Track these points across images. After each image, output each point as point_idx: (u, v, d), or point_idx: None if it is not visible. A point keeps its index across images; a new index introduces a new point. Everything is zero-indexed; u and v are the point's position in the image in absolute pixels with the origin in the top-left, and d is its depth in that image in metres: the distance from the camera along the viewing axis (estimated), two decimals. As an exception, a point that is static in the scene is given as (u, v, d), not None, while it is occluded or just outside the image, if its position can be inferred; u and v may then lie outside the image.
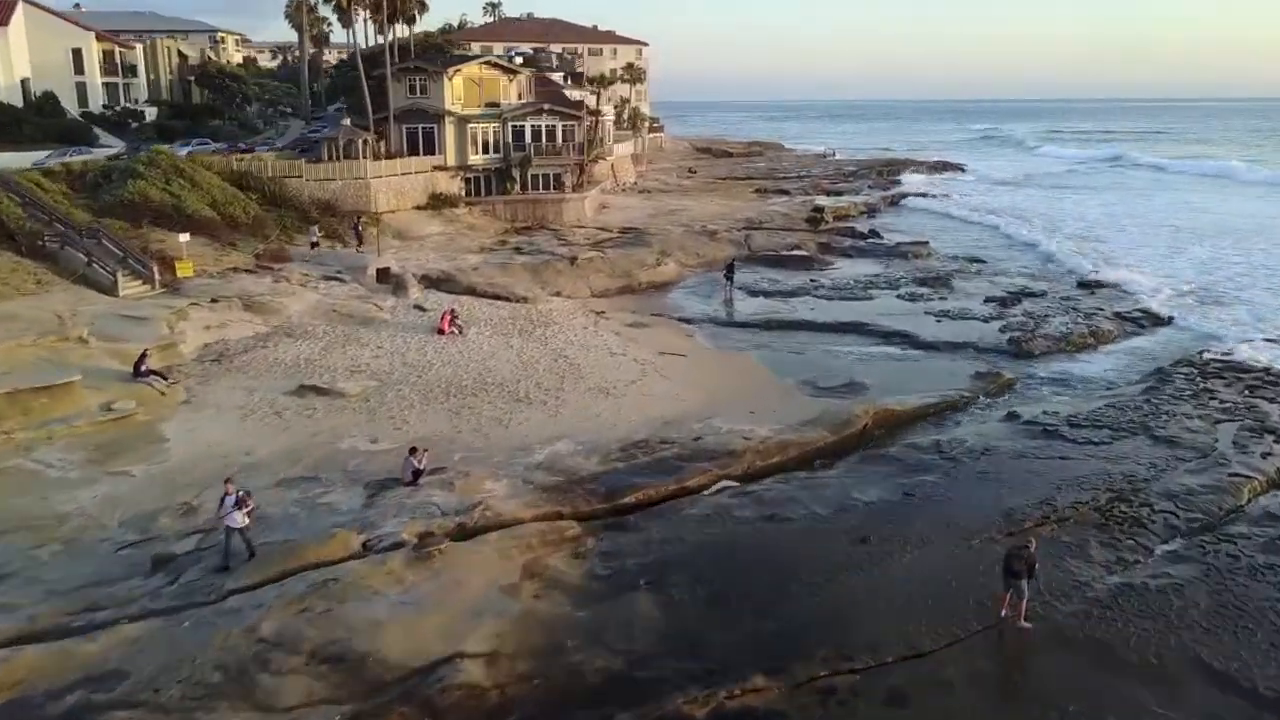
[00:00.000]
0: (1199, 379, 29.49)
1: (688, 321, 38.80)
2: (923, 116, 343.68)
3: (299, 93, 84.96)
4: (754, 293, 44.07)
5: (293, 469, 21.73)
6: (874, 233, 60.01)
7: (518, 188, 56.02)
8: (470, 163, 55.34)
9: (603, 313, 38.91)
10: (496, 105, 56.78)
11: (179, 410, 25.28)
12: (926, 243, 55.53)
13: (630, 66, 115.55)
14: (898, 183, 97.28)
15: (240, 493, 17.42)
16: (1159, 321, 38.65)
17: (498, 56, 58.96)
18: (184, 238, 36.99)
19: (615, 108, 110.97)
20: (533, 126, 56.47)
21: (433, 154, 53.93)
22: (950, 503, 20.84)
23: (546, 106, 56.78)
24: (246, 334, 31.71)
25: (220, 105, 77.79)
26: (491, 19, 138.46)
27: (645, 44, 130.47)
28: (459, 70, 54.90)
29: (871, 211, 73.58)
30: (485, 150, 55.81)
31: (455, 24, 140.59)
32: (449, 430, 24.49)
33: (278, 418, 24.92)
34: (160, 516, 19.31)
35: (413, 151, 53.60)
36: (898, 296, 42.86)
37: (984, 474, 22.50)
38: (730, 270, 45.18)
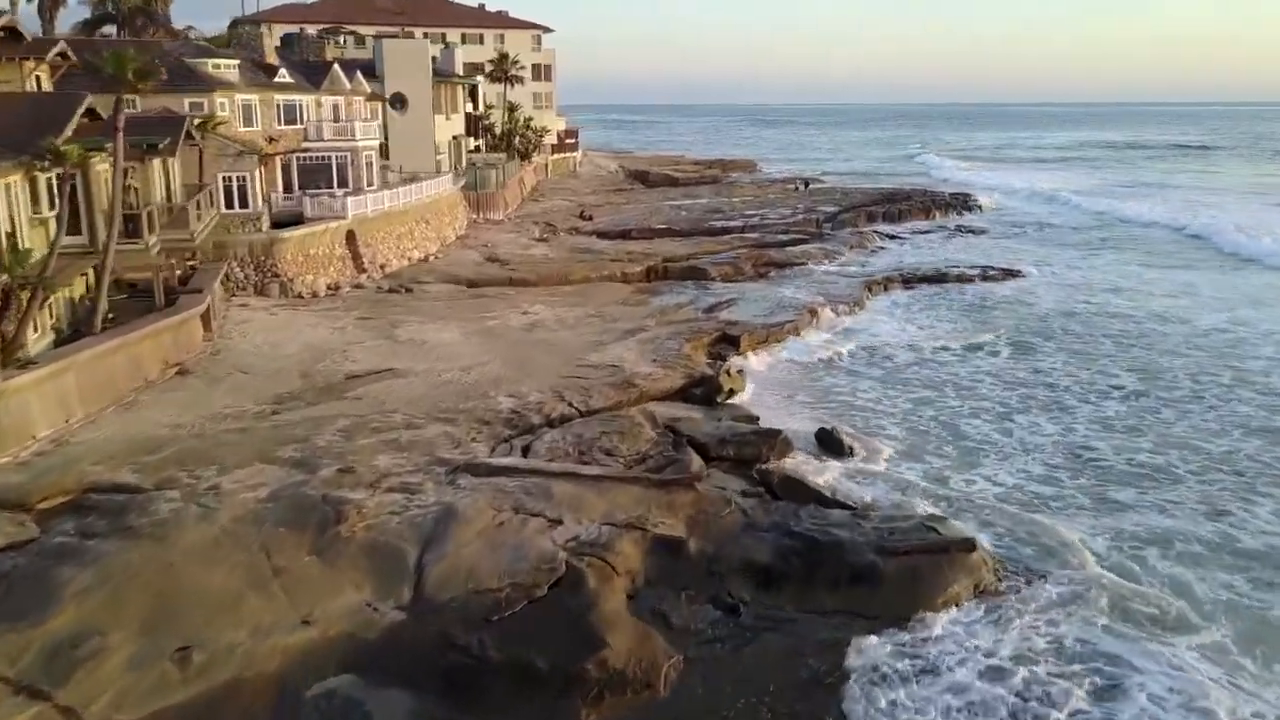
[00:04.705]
0: None
1: None
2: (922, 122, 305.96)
3: None
4: None
5: None
6: (830, 438, 23.54)
7: None
8: None
9: None
10: None
11: None
12: (971, 543, 18.73)
13: (503, 59, 78.06)
14: (900, 239, 60.94)
15: None
16: None
17: None
18: None
19: (478, 118, 74.48)
20: None
21: None
22: None
23: None
24: None
25: None
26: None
27: (547, 29, 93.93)
28: None
29: (844, 330, 37.06)
30: None
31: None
32: None
33: None
34: None
35: None
36: None
37: None
38: None
